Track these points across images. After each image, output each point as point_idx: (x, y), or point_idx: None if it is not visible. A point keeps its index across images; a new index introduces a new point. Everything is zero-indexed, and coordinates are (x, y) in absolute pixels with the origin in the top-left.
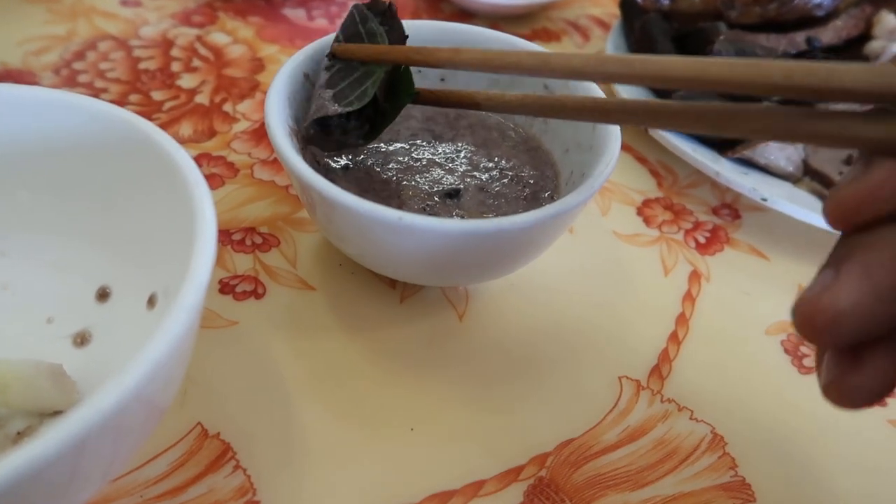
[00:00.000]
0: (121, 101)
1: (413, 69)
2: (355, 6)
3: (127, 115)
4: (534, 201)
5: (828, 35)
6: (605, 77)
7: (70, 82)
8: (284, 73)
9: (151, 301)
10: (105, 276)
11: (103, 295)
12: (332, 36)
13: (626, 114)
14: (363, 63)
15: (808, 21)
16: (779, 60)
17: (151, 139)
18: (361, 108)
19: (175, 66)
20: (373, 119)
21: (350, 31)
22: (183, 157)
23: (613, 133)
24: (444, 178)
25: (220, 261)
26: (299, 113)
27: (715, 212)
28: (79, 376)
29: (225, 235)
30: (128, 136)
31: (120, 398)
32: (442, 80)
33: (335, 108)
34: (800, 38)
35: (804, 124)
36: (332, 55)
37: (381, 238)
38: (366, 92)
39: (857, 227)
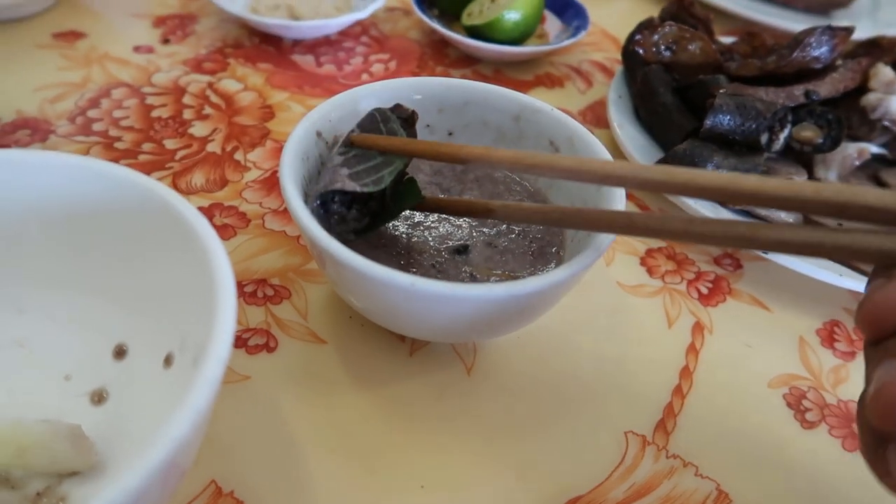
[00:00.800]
0: (135, 151)
1: (420, 123)
2: (377, 109)
3: (147, 182)
4: (541, 257)
5: (825, 88)
6: (640, 184)
7: (85, 130)
8: (298, 133)
9: (168, 360)
10: (122, 333)
11: (120, 353)
12: (345, 94)
13: (651, 231)
14: (381, 153)
15: (807, 73)
16: (810, 181)
17: (170, 205)
18: (366, 201)
19: (187, 114)
20: (375, 213)
21: (369, 129)
22: (202, 226)
23: (618, 194)
24: (453, 233)
25: None
26: (312, 171)
27: (717, 261)
28: (96, 435)
29: (237, 288)
30: (147, 201)
31: (148, 473)
32: (450, 133)
33: (352, 185)
34: (798, 91)
35: (827, 238)
36: (350, 143)
37: (394, 301)
38: (382, 179)
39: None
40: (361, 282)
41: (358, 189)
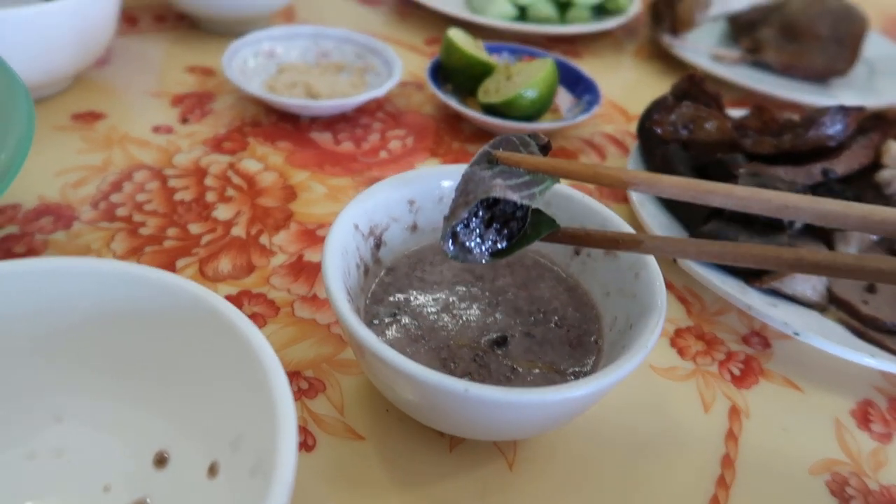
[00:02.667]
0: (159, 237)
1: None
2: (514, 134)
3: (194, 288)
4: (579, 347)
5: (842, 166)
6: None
7: (109, 216)
8: (337, 229)
9: (213, 469)
10: (163, 440)
11: (161, 461)
12: (377, 186)
13: (822, 268)
14: (529, 172)
15: (821, 150)
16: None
17: (219, 311)
18: (507, 220)
19: (210, 196)
20: (511, 236)
21: (508, 150)
22: (253, 332)
23: (657, 283)
24: (491, 323)
25: None
26: (350, 265)
27: (745, 340)
28: None
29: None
30: (195, 308)
31: None
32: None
33: (513, 195)
34: (816, 170)
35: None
36: (492, 160)
37: (445, 405)
38: (534, 196)
39: None
40: (412, 386)
41: (519, 200)
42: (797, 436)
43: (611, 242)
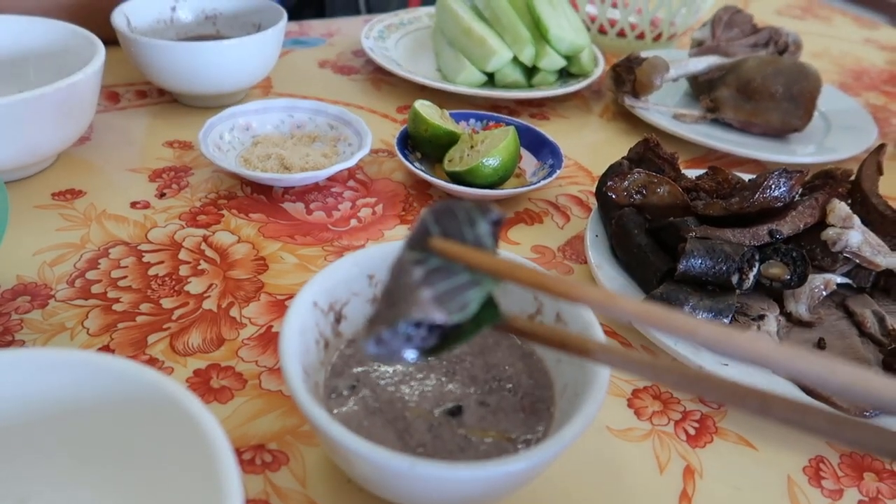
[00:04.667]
0: (133, 312)
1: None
2: (463, 203)
3: (154, 377)
4: (532, 414)
5: (788, 227)
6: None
7: (84, 293)
8: (296, 308)
9: None
10: None
11: None
12: (336, 264)
13: (791, 421)
14: (469, 270)
15: (769, 212)
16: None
17: (174, 399)
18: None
19: (183, 270)
20: (445, 333)
21: (451, 230)
22: (208, 422)
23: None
24: (447, 393)
25: None
26: (309, 343)
27: (700, 399)
28: None
29: (236, 455)
30: (152, 394)
31: None
32: None
33: (439, 315)
34: (763, 231)
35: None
36: (425, 248)
37: (393, 481)
38: (468, 305)
39: None
40: (360, 462)
41: (444, 320)
42: (749, 494)
43: (557, 343)
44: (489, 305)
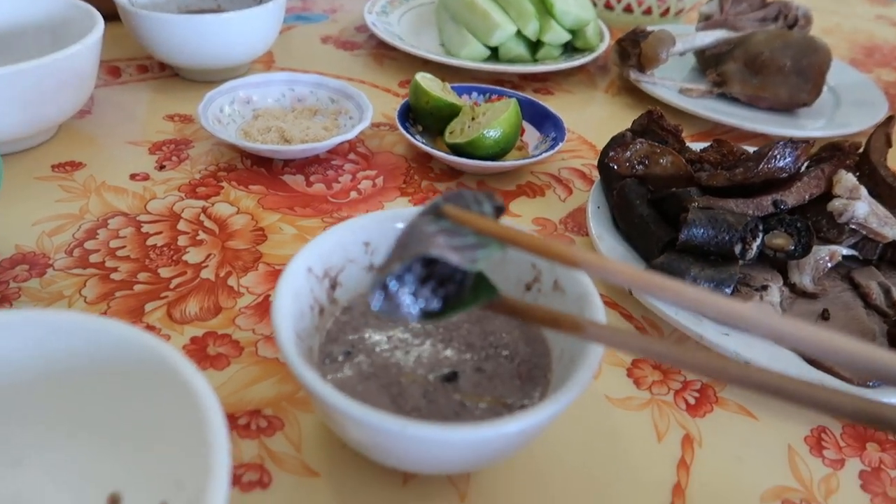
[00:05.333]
0: (130, 281)
1: None
2: (468, 190)
3: (145, 339)
4: (529, 380)
5: (792, 197)
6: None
7: (82, 262)
8: (290, 272)
9: None
10: (116, 482)
11: (114, 501)
12: (332, 230)
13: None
14: (476, 234)
15: (774, 182)
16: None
17: (166, 361)
18: (443, 282)
19: (182, 240)
20: (446, 299)
21: (459, 205)
22: (200, 384)
23: (599, 318)
24: (443, 359)
25: None
26: (304, 308)
27: None
28: None
29: (231, 420)
30: (143, 355)
31: None
32: None
33: (455, 257)
34: (767, 201)
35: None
36: (438, 213)
37: (385, 443)
38: (477, 260)
39: None
40: (352, 425)
41: (458, 262)
42: (749, 463)
43: (551, 322)
44: (487, 284)
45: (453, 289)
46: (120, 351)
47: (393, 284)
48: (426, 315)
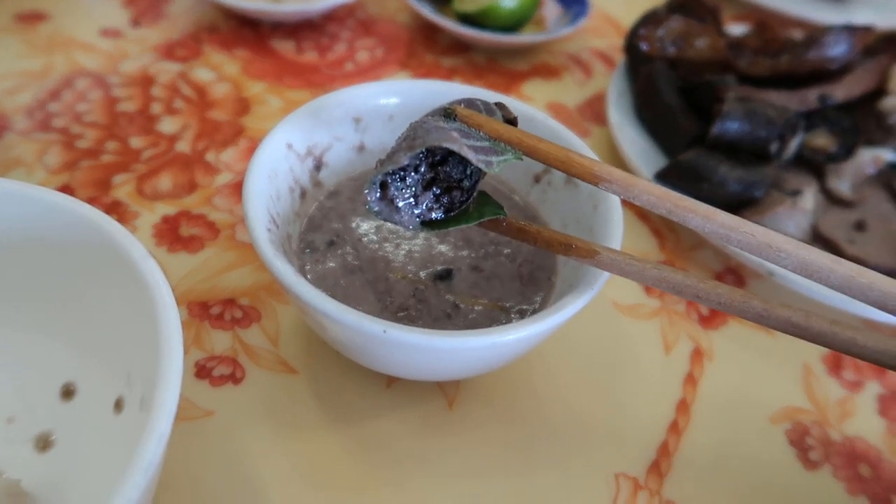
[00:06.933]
0: (97, 150)
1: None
2: (479, 98)
3: (92, 215)
4: (531, 283)
5: (841, 91)
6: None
7: (44, 126)
8: (265, 151)
9: (118, 404)
10: (70, 372)
11: (68, 393)
12: (316, 101)
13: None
14: (490, 139)
15: (821, 74)
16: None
17: (112, 238)
18: (449, 189)
19: (155, 108)
20: (449, 209)
21: (472, 108)
22: (148, 265)
23: (615, 218)
24: (436, 254)
25: (196, 339)
26: (281, 189)
27: (719, 278)
28: (40, 487)
29: (203, 309)
30: (92, 236)
31: None
32: None
33: (472, 154)
34: (812, 95)
35: None
36: (451, 115)
37: (367, 346)
38: (492, 164)
39: None
40: (328, 323)
41: (475, 161)
42: (762, 381)
43: (562, 247)
44: (492, 201)
45: (458, 197)
46: (67, 228)
47: (394, 182)
48: (425, 224)
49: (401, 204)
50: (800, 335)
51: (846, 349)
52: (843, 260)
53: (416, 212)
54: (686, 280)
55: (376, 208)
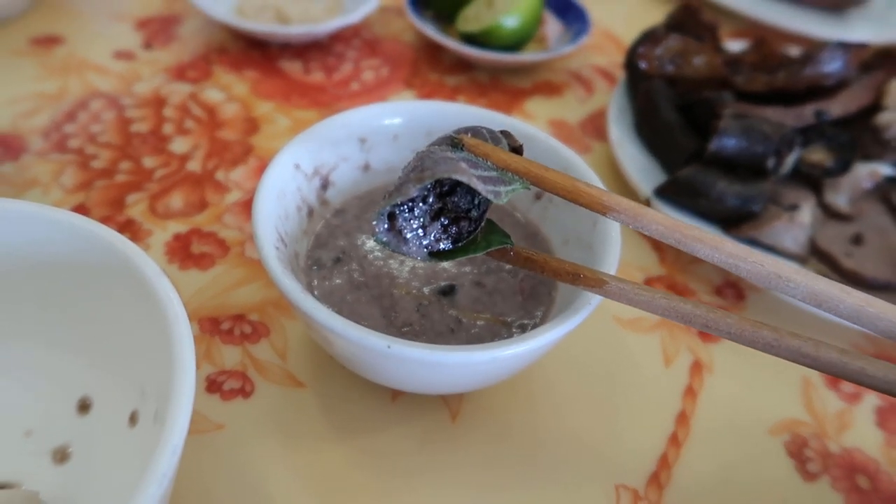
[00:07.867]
0: (111, 170)
1: (405, 148)
2: (484, 126)
3: (107, 235)
4: (532, 298)
5: (837, 107)
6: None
7: (60, 147)
8: (274, 171)
9: (133, 418)
10: (86, 386)
11: (84, 406)
12: (323, 123)
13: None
14: (497, 168)
15: (817, 90)
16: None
17: (129, 260)
18: (457, 219)
19: (167, 128)
20: (457, 239)
21: (477, 137)
22: (163, 285)
23: (613, 235)
24: (440, 270)
25: (207, 354)
26: (290, 208)
27: (718, 292)
28: (56, 500)
29: (213, 324)
30: (107, 255)
31: None
32: None
33: (480, 185)
34: (808, 111)
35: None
36: (457, 144)
37: (372, 361)
38: (500, 195)
39: None
40: (334, 339)
41: (484, 191)
42: (761, 394)
43: (569, 276)
44: (499, 230)
45: (466, 227)
46: (83, 247)
47: (402, 213)
48: (433, 254)
49: (409, 235)
50: (810, 365)
51: (856, 379)
52: (852, 290)
53: (424, 242)
54: (696, 310)
55: (384, 239)
